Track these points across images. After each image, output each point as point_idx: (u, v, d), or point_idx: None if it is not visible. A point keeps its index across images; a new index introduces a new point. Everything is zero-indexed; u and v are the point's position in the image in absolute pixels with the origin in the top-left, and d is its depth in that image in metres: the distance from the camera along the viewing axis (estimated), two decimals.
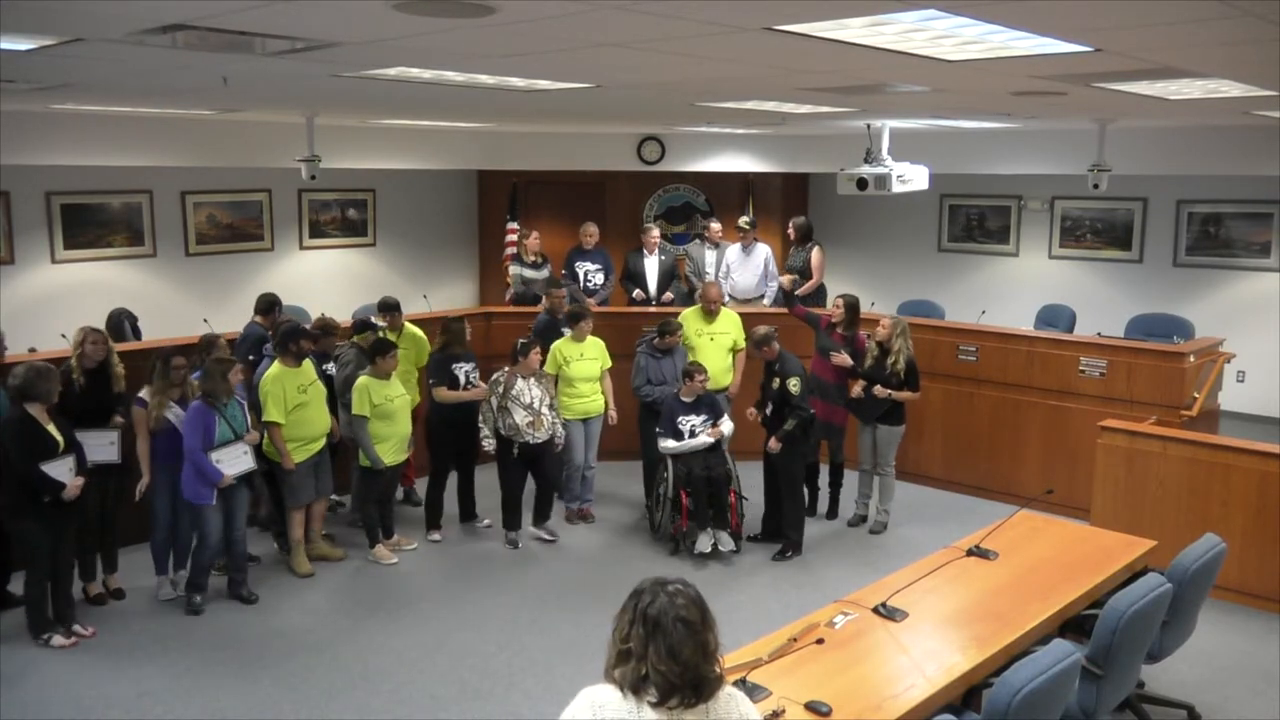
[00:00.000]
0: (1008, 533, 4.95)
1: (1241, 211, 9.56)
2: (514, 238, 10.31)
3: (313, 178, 7.75)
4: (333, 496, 7.01)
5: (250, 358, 6.82)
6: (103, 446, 5.77)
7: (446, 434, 7.06)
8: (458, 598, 6.19)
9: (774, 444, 6.68)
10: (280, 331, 6.46)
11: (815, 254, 8.95)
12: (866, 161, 6.81)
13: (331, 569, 6.55)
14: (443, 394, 6.95)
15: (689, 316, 7.71)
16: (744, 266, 9.06)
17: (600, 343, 7.39)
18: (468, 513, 7.36)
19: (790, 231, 9.26)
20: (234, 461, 5.86)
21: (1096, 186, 7.80)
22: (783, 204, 11.43)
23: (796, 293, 8.40)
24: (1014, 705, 3.20)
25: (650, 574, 2.56)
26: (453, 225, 11.59)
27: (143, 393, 5.93)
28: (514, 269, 9.26)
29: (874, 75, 4.50)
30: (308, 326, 6.85)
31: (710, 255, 9.34)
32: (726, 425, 6.90)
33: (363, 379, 6.52)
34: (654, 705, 2.38)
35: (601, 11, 2.92)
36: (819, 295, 8.95)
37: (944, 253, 11.42)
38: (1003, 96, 5.47)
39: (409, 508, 7.66)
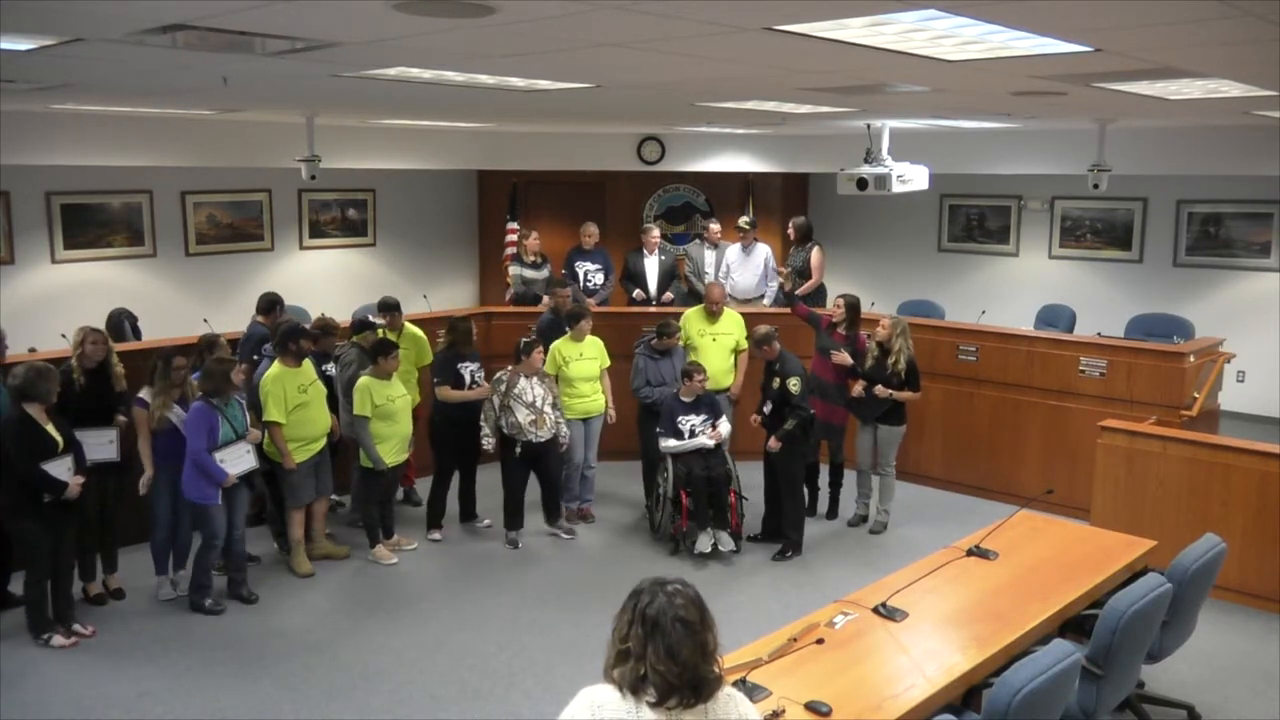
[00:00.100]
0: (1008, 533, 4.95)
1: (1241, 211, 9.56)
2: (514, 238, 10.31)
3: (313, 178, 7.75)
4: (332, 496, 7.01)
5: (255, 357, 6.82)
6: (102, 445, 5.78)
7: (450, 433, 7.06)
8: (458, 598, 6.19)
9: (774, 444, 6.68)
10: (280, 331, 6.46)
11: (815, 254, 8.95)
12: (866, 161, 6.81)
13: (331, 569, 6.55)
14: (446, 393, 6.95)
15: (691, 317, 7.71)
16: (744, 266, 9.06)
17: (599, 342, 7.39)
18: (468, 513, 7.36)
19: (790, 231, 9.26)
20: (237, 461, 5.87)
21: (1096, 186, 7.80)
22: (783, 204, 11.43)
23: (797, 292, 8.41)
24: (1014, 705, 3.20)
25: (650, 574, 2.56)
26: (453, 225, 11.59)
27: (143, 393, 5.93)
28: (514, 269, 9.26)
29: (874, 75, 4.50)
30: (307, 326, 6.85)
31: (710, 256, 9.34)
32: (724, 426, 6.90)
33: (364, 379, 6.52)
34: (653, 705, 2.38)
35: (601, 11, 2.92)
36: (819, 295, 8.95)
37: (944, 253, 11.42)
38: (1003, 96, 5.47)
39: (409, 508, 7.66)
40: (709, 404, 6.90)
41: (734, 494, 6.75)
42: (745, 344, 7.55)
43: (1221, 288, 9.70)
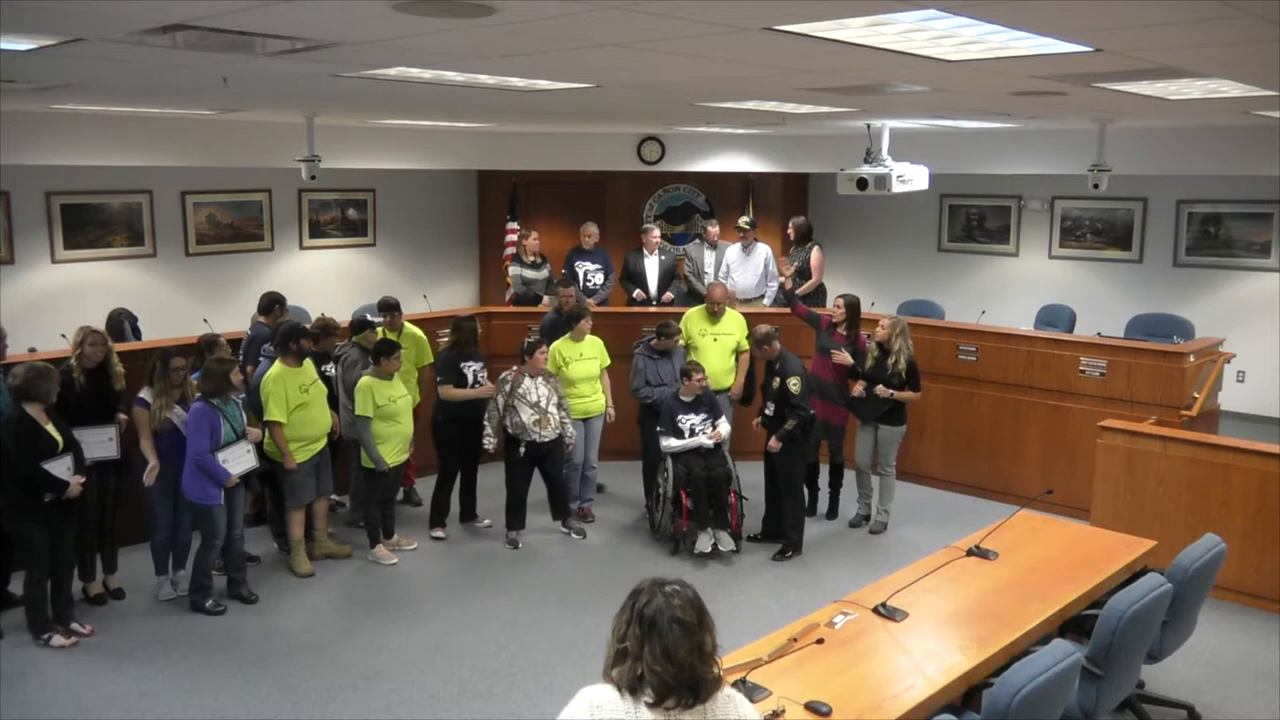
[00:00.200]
0: (1008, 533, 4.95)
1: (1241, 211, 9.56)
2: (514, 238, 10.32)
3: (313, 178, 7.75)
4: (332, 497, 7.01)
5: (260, 358, 6.83)
6: (102, 443, 5.78)
7: (454, 433, 7.07)
8: (458, 598, 6.19)
9: (774, 443, 6.68)
10: (281, 331, 6.46)
11: (815, 254, 8.95)
12: (866, 161, 6.81)
13: (332, 569, 6.55)
14: (450, 391, 6.96)
15: (693, 316, 7.71)
16: (744, 266, 9.05)
17: (599, 342, 7.40)
18: (468, 513, 7.36)
19: (790, 231, 9.26)
20: (238, 460, 5.87)
21: (1096, 186, 7.80)
22: (783, 204, 11.43)
23: (796, 292, 8.42)
24: (1014, 705, 3.20)
25: (650, 574, 2.57)
26: (453, 225, 11.59)
27: (143, 392, 5.92)
28: (514, 269, 9.26)
29: (874, 75, 4.50)
30: (308, 326, 6.85)
31: (710, 256, 9.34)
32: (724, 426, 6.90)
33: (365, 379, 6.52)
34: (651, 706, 2.38)
35: (601, 11, 2.92)
36: (819, 295, 8.95)
37: (944, 253, 11.42)
38: (1003, 96, 5.47)
39: (409, 508, 7.66)
40: (709, 403, 6.90)
41: (734, 494, 6.75)
42: (746, 344, 7.56)
43: (1221, 288, 9.70)
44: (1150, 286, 10.02)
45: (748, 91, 5.50)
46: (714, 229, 9.49)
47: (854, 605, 4.20)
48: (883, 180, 6.70)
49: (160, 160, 8.52)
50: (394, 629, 5.74)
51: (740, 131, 9.76)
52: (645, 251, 9.14)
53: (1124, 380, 7.42)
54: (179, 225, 9.50)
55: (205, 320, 7.77)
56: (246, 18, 3.10)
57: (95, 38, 3.57)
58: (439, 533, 7.12)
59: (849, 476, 7.51)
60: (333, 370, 6.99)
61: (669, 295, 9.10)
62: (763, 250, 9.14)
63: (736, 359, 7.64)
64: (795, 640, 3.75)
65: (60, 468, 5.33)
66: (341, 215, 10.76)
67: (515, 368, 6.87)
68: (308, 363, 6.45)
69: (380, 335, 7.22)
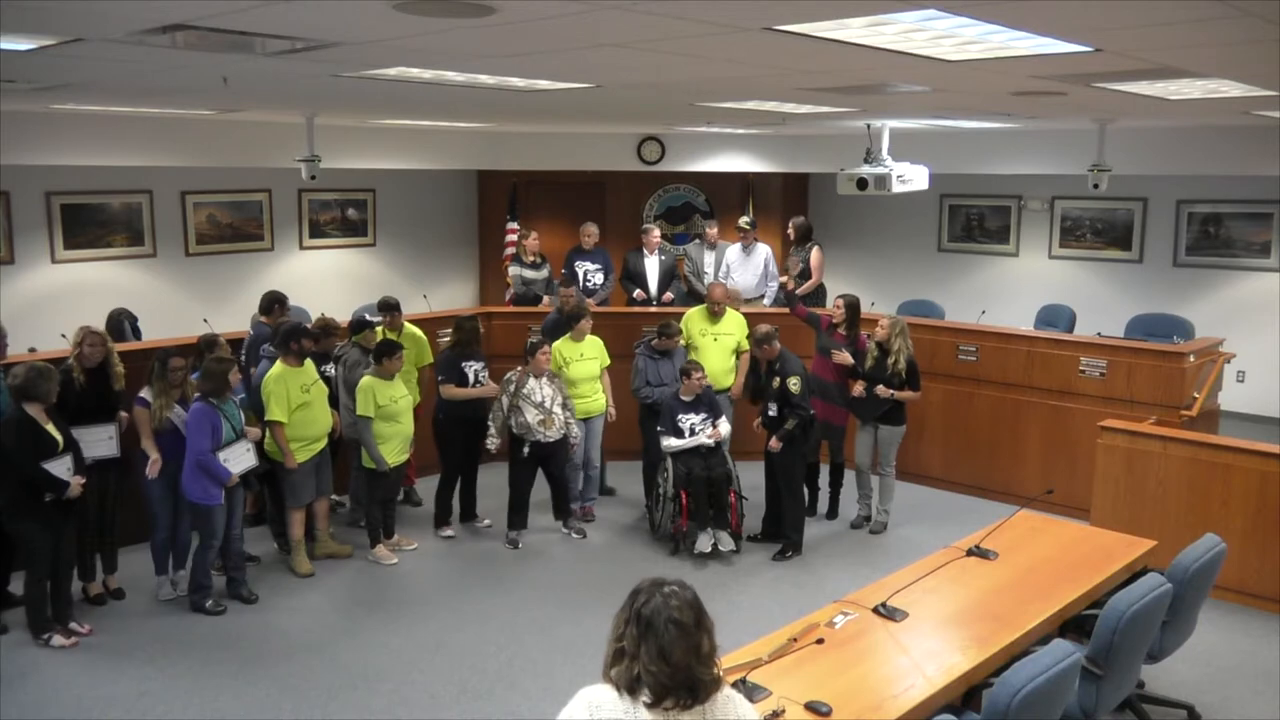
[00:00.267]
0: (1008, 533, 4.95)
1: (1241, 211, 9.56)
2: (514, 238, 10.32)
3: (313, 178, 7.74)
4: (332, 496, 7.01)
5: (263, 357, 6.83)
6: (102, 441, 5.78)
7: (456, 433, 7.08)
8: (458, 598, 6.19)
9: (775, 443, 6.68)
10: (282, 331, 6.45)
11: (815, 254, 8.95)
12: (866, 161, 6.81)
13: (331, 569, 6.55)
14: (451, 390, 6.97)
15: (693, 316, 7.72)
16: (744, 266, 9.05)
17: (599, 342, 7.41)
18: (468, 513, 7.36)
19: (790, 231, 9.26)
20: (238, 460, 5.88)
21: (1096, 186, 7.80)
22: (783, 204, 11.43)
23: (796, 292, 8.41)
24: (1014, 705, 3.20)
25: (650, 574, 2.56)
26: (453, 225, 11.59)
27: (143, 392, 5.92)
28: (513, 269, 9.26)
29: (874, 75, 4.50)
30: (308, 326, 6.84)
31: (709, 257, 9.34)
32: (724, 426, 6.90)
33: (367, 379, 6.52)
34: (649, 706, 2.37)
35: (601, 11, 2.92)
36: (819, 295, 8.95)
37: (944, 253, 11.42)
38: (1003, 96, 5.47)
39: (409, 508, 7.66)
40: (709, 403, 6.90)
41: (734, 494, 6.75)
42: (747, 344, 7.56)
43: (1221, 288, 9.70)
44: (1150, 286, 10.02)
45: (748, 91, 5.50)
46: (712, 230, 9.49)
47: (854, 605, 4.20)
48: (883, 180, 6.71)
49: (160, 160, 8.52)
50: (394, 629, 5.74)
51: (740, 131, 9.76)
52: (645, 251, 9.14)
53: (1124, 380, 7.42)
54: (179, 225, 9.50)
55: (205, 320, 7.77)
56: (246, 18, 3.10)
57: (95, 38, 3.57)
58: (448, 531, 7.15)
59: (849, 476, 7.51)
60: (332, 370, 6.99)
61: (669, 295, 9.10)
62: (763, 250, 9.14)
63: (736, 359, 7.64)
64: (795, 640, 3.75)
65: (60, 468, 5.33)
66: (341, 215, 10.76)
67: (520, 368, 6.87)
68: (309, 362, 6.45)
69: (380, 335, 7.23)
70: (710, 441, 6.78)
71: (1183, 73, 4.29)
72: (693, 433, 6.79)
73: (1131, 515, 6.22)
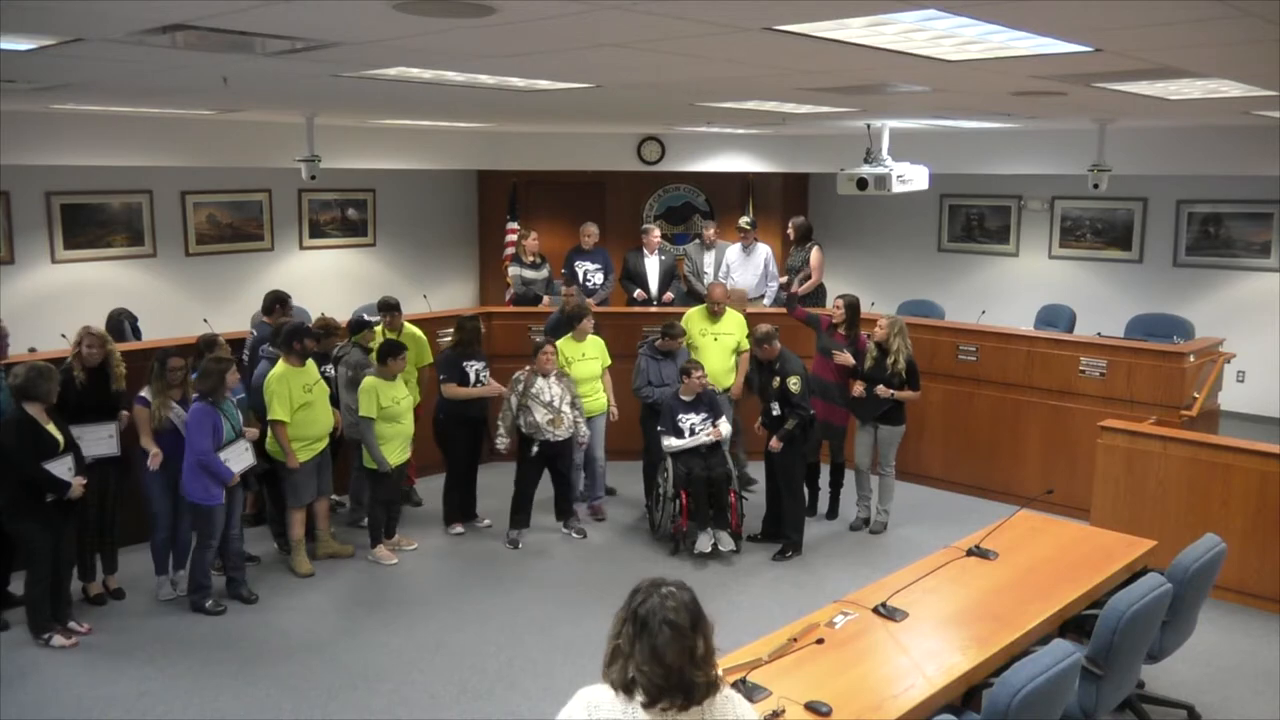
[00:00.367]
0: (1008, 533, 4.95)
1: (1241, 211, 9.56)
2: (513, 238, 10.32)
3: (313, 178, 7.74)
4: (332, 496, 7.01)
5: (262, 357, 6.83)
6: (102, 440, 5.78)
7: (458, 432, 7.10)
8: (458, 598, 6.19)
9: (775, 444, 6.68)
10: (285, 331, 6.45)
11: (814, 254, 8.95)
12: (866, 161, 6.81)
13: (332, 569, 6.55)
14: (453, 389, 6.97)
15: (693, 316, 7.72)
16: (744, 266, 9.05)
17: (600, 342, 7.42)
18: (469, 512, 7.36)
19: (790, 231, 9.26)
20: (238, 459, 5.88)
21: (1096, 186, 7.80)
22: (783, 204, 11.43)
23: (796, 293, 8.41)
24: (1014, 705, 3.20)
25: (650, 574, 2.56)
26: (453, 225, 11.59)
27: (144, 391, 5.92)
28: (513, 269, 9.26)
29: (874, 75, 4.50)
30: (310, 326, 6.84)
31: (709, 257, 9.34)
32: (725, 426, 6.90)
33: (370, 380, 6.52)
34: (645, 707, 2.37)
35: (601, 11, 2.92)
36: (819, 295, 8.95)
37: (944, 253, 11.42)
38: (1003, 96, 5.47)
39: (409, 507, 7.65)
40: (709, 402, 6.90)
41: (734, 494, 6.75)
42: (747, 344, 7.56)
43: (1221, 288, 9.70)
44: (1150, 286, 10.02)
45: (748, 91, 5.50)
46: (710, 230, 9.49)
47: (854, 605, 4.20)
48: (883, 180, 6.71)
49: (160, 160, 8.52)
50: (394, 629, 5.74)
51: (740, 131, 9.76)
52: (645, 251, 9.14)
53: (1124, 380, 7.42)
54: (179, 225, 9.50)
55: (205, 320, 7.77)
56: (246, 18, 3.10)
57: (95, 38, 3.57)
58: (458, 528, 7.18)
59: (849, 476, 7.50)
60: (332, 371, 6.98)
61: (669, 295, 9.10)
62: (763, 250, 9.14)
63: (736, 358, 7.64)
64: (795, 640, 3.75)
65: (61, 468, 5.33)
66: (341, 215, 10.76)
67: (528, 368, 6.88)
68: (310, 362, 6.45)
69: (380, 335, 7.23)
70: (712, 439, 6.79)
71: (1183, 73, 4.29)
72: (693, 433, 6.79)
73: (1131, 515, 6.22)
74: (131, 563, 6.24)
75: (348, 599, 6.20)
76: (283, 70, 4.41)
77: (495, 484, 7.51)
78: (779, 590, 6.30)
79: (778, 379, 6.70)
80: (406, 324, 7.51)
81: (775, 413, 6.75)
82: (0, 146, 7.27)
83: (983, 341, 8.11)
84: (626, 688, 2.38)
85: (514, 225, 10.54)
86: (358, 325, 7.25)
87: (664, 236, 10.10)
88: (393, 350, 6.57)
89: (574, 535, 7.13)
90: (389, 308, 7.41)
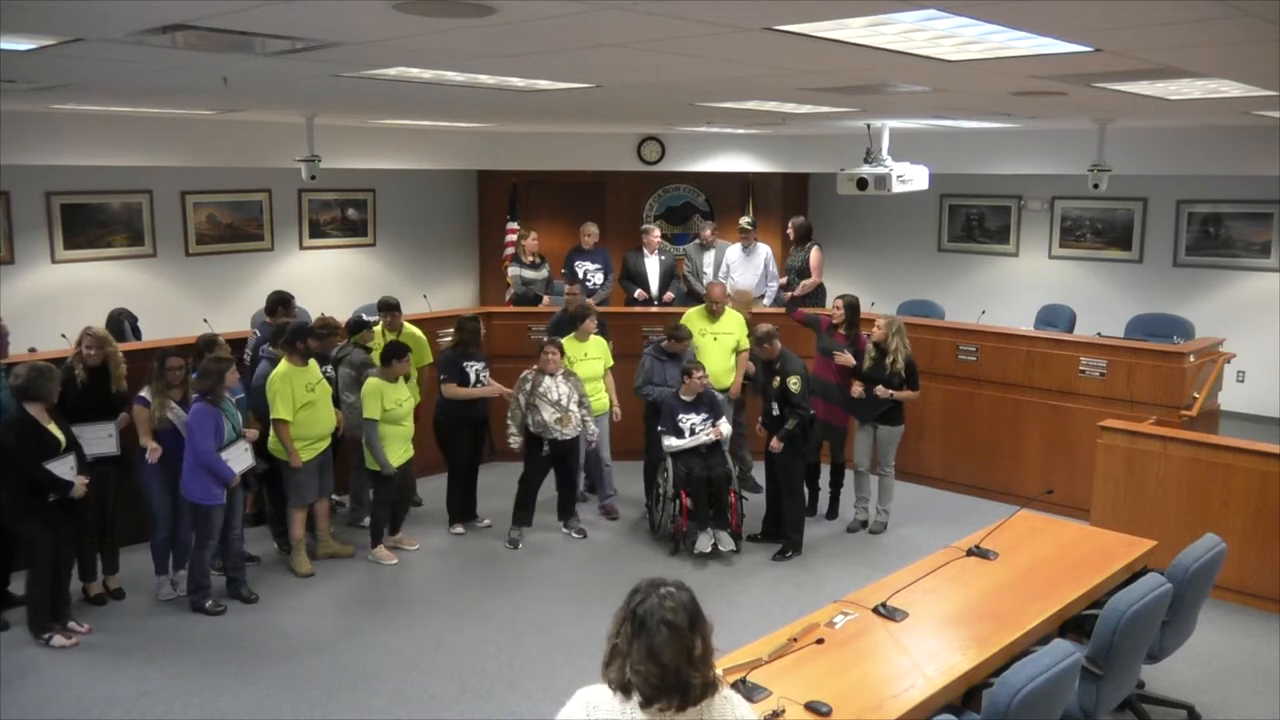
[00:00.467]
0: (1008, 533, 4.95)
1: (1241, 211, 9.56)
2: (513, 238, 10.32)
3: (313, 178, 7.75)
4: (332, 496, 7.01)
5: (262, 357, 6.83)
6: (102, 439, 5.79)
7: (459, 433, 7.10)
8: (458, 598, 6.19)
9: (775, 444, 6.68)
10: (288, 330, 6.46)
11: (814, 254, 8.95)
12: (866, 161, 6.81)
13: (332, 569, 6.55)
14: (453, 390, 6.98)
15: (692, 316, 7.72)
16: (745, 266, 9.05)
17: (603, 341, 7.43)
18: (469, 512, 7.37)
19: (790, 231, 9.26)
20: (238, 459, 5.88)
21: (1096, 186, 7.80)
22: (783, 204, 11.43)
23: (795, 293, 8.42)
24: (1014, 705, 3.20)
25: (650, 574, 2.56)
26: (453, 225, 11.59)
27: (143, 391, 5.92)
28: (513, 269, 9.27)
29: (874, 75, 4.51)
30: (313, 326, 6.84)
31: (708, 257, 9.33)
32: (725, 426, 6.90)
33: (373, 381, 6.52)
34: (643, 707, 2.36)
35: (601, 11, 2.92)
36: (819, 295, 8.95)
37: (944, 253, 11.42)
38: (1003, 96, 5.47)
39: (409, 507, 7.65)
40: (709, 402, 6.90)
41: (734, 494, 6.75)
42: (746, 343, 7.57)
43: (1221, 288, 9.70)
44: (1150, 286, 10.02)
45: (748, 91, 5.50)
46: (708, 231, 9.48)
47: (854, 605, 4.20)
48: (883, 180, 6.71)
49: (160, 160, 8.53)
50: (394, 629, 5.74)
51: (740, 131, 9.76)
52: (645, 251, 9.14)
53: (1124, 380, 7.41)
54: (179, 225, 9.50)
55: (205, 320, 7.77)
56: (246, 18, 3.10)
57: (95, 38, 3.57)
58: (458, 529, 7.19)
59: (850, 476, 7.50)
60: (332, 371, 6.98)
61: (669, 295, 9.11)
62: (763, 250, 9.14)
63: (736, 358, 7.64)
64: (795, 640, 3.75)
65: (63, 467, 5.33)
66: (341, 215, 10.76)
67: (534, 367, 6.89)
68: (313, 362, 6.45)
69: (379, 335, 7.24)
70: (712, 439, 6.79)
71: (1183, 73, 4.29)
72: (693, 433, 6.79)
73: (1131, 515, 6.22)
74: (131, 563, 6.24)
75: (348, 599, 6.20)
76: (283, 70, 4.41)
77: (496, 484, 7.51)
78: (779, 590, 6.30)
79: (778, 379, 6.71)
80: (406, 324, 7.51)
81: (774, 412, 6.76)
82: (0, 146, 7.27)
83: (983, 341, 8.11)
84: (624, 688, 2.38)
85: (514, 225, 10.54)
86: (357, 325, 7.26)
87: (664, 236, 10.10)
88: (396, 352, 6.57)
89: (574, 535, 7.13)
90: (389, 308, 7.41)
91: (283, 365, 6.29)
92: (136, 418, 5.91)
